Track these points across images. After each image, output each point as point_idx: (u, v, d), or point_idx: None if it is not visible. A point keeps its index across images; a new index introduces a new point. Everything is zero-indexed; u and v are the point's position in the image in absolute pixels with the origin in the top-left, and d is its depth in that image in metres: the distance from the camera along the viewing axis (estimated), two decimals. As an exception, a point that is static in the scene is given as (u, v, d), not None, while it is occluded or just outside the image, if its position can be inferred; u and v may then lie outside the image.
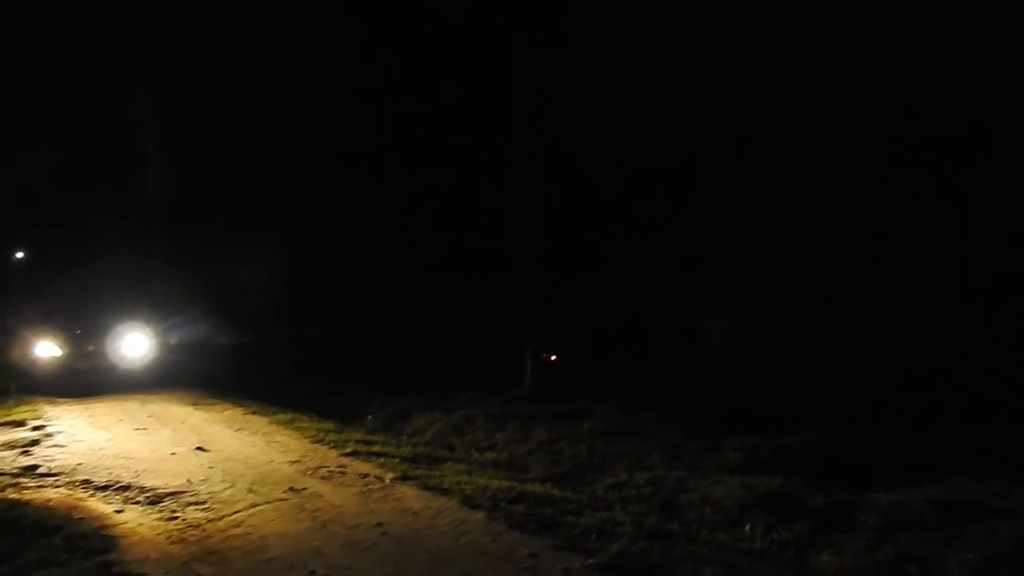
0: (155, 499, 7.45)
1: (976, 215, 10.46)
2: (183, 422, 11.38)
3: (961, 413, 9.30)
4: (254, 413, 12.07)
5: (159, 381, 15.12)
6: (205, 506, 7.24)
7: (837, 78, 11.24)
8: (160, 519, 6.90)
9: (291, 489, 7.75)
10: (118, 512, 7.09)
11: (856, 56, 11.05)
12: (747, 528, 6.74)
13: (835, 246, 11.46)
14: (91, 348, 15.41)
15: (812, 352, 11.17)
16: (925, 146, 10.70)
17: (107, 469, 8.53)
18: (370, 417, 11.90)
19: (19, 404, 12.43)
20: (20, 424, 10.96)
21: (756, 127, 12.08)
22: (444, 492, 7.56)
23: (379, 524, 6.68)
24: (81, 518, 6.85)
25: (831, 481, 7.55)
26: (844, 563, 6.03)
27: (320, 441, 10.05)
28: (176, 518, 6.92)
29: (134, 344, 15.81)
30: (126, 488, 7.81)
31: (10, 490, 7.70)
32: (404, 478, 8.12)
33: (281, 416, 11.70)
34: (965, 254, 10.43)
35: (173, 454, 9.31)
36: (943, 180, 10.60)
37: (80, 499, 7.49)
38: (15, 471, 8.43)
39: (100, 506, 7.27)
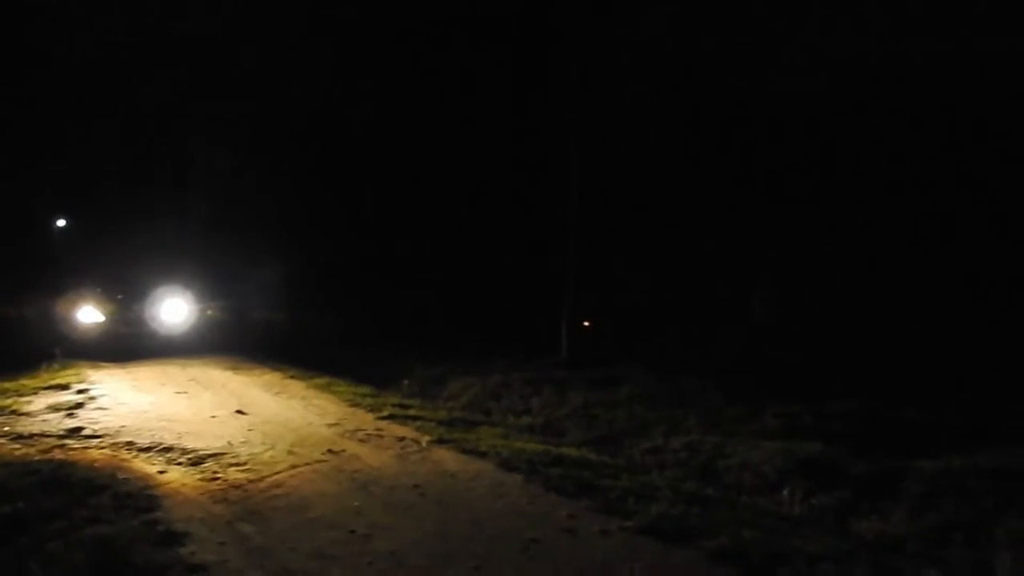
0: (197, 460, 7.56)
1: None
2: (223, 386, 11.53)
3: (1009, 383, 9.10)
4: (292, 378, 12.19)
5: (199, 346, 15.29)
6: (246, 467, 7.33)
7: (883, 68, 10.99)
8: (203, 479, 7.00)
9: (330, 451, 7.83)
10: (161, 472, 7.20)
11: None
12: (786, 493, 6.69)
13: (881, 222, 11.24)
14: (132, 313, 15.62)
15: (857, 322, 10.99)
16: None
17: (150, 431, 8.66)
18: (406, 382, 11.95)
19: (63, 368, 12.64)
20: (65, 387, 11.16)
21: (795, 111, 11.87)
22: (481, 455, 7.60)
23: (417, 486, 6.72)
24: (126, 478, 6.97)
25: (875, 448, 7.46)
26: (887, 529, 5.96)
27: (357, 405, 10.12)
28: (218, 479, 7.02)
29: (175, 310, 15.99)
30: (168, 449, 7.93)
31: (57, 451, 7.85)
32: (441, 441, 8.17)
33: (318, 380, 11.81)
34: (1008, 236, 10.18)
35: (214, 417, 9.44)
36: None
37: (125, 460, 7.62)
38: (61, 433, 8.59)
39: (144, 466, 7.39)
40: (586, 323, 13.33)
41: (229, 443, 8.15)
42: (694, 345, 12.21)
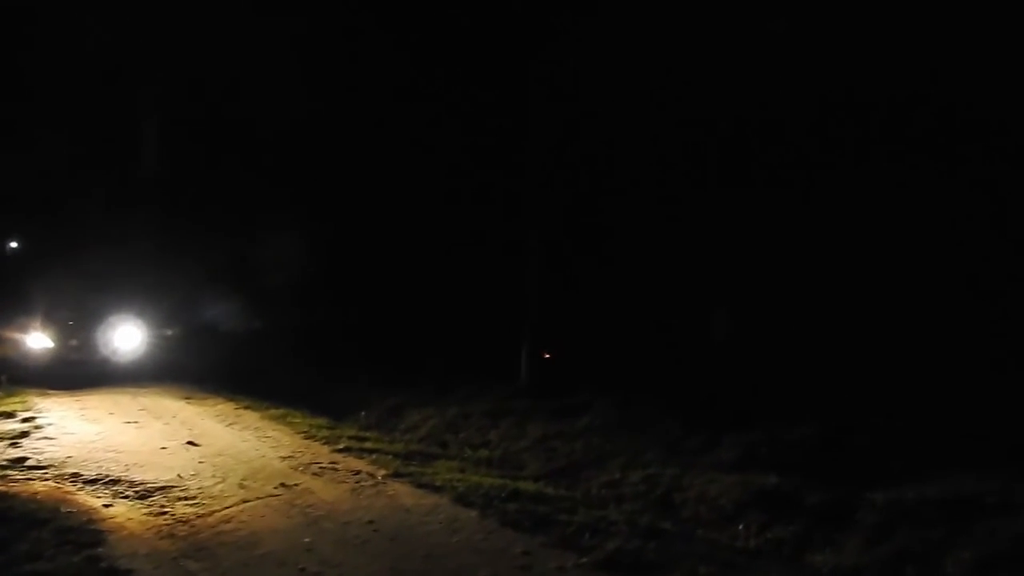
0: (145, 493, 7.37)
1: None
2: (174, 416, 11.29)
3: (966, 409, 9.23)
4: (246, 408, 11.97)
5: (152, 374, 14.98)
6: (195, 501, 7.15)
7: (845, 68, 11.12)
8: (149, 514, 6.82)
9: (282, 485, 7.67)
10: (107, 506, 7.01)
11: (867, 47, 10.93)
12: (742, 527, 6.69)
13: (840, 238, 11.34)
14: (84, 339, 15.26)
15: (817, 346, 11.06)
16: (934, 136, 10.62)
17: (97, 462, 8.43)
18: (364, 413, 11.82)
19: (9, 395, 12.30)
20: (10, 416, 10.84)
21: (762, 116, 11.96)
22: (437, 490, 7.51)
23: (371, 521, 6.60)
24: (70, 511, 6.76)
25: (831, 478, 7.49)
26: (841, 561, 6.00)
27: (312, 437, 9.96)
28: (165, 513, 6.83)
29: (127, 335, 15.66)
30: (115, 482, 7.72)
31: (-2, 483, 7.61)
32: (397, 475, 8.06)
33: (273, 411, 11.61)
34: (972, 251, 10.31)
35: (164, 448, 9.22)
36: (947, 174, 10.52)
37: (69, 492, 7.40)
38: (4, 463, 8.32)
39: (89, 500, 7.19)
40: (546, 355, 13.27)
41: (179, 476, 7.95)
42: (655, 371, 12.21)
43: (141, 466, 8.31)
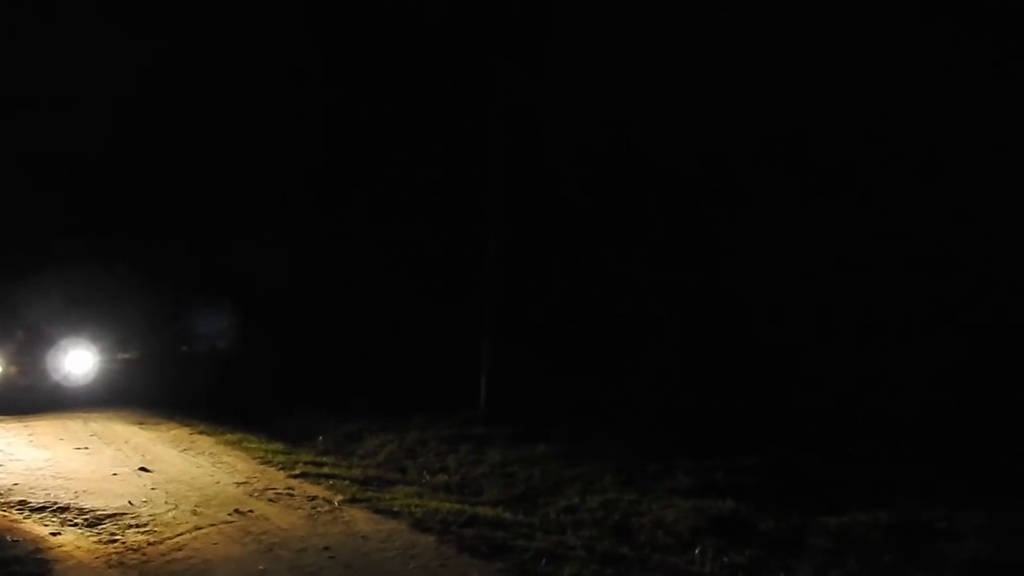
0: (94, 521, 7.20)
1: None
2: (127, 442, 11.07)
3: (914, 435, 9.45)
4: (201, 433, 11.77)
5: (105, 399, 14.64)
6: (146, 529, 7.01)
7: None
8: (98, 542, 6.67)
9: (236, 511, 7.56)
10: (54, 535, 6.84)
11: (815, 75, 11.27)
12: (697, 552, 6.75)
13: (793, 252, 11.58)
14: (33, 364, 14.90)
15: (774, 368, 11.25)
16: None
17: (44, 490, 8.22)
18: (321, 438, 11.67)
19: (-46, 422, 11.99)
20: (-46, 443, 10.56)
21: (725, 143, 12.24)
22: (394, 515, 7.45)
23: (327, 548, 6.53)
24: (15, 540, 6.59)
25: (786, 503, 7.62)
26: (794, 587, 6.06)
27: (268, 462, 9.83)
28: (115, 541, 6.69)
29: (80, 360, 15.31)
30: (64, 509, 7.54)
31: (-61, 512, 7.39)
32: (353, 501, 7.99)
33: (229, 436, 11.42)
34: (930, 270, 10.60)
35: (115, 475, 9.03)
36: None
37: (14, 521, 7.21)
38: (-53, 492, 8.10)
39: (35, 528, 7.01)
40: None
41: (129, 503, 7.79)
42: (614, 396, 12.29)
43: (91, 493, 8.13)
